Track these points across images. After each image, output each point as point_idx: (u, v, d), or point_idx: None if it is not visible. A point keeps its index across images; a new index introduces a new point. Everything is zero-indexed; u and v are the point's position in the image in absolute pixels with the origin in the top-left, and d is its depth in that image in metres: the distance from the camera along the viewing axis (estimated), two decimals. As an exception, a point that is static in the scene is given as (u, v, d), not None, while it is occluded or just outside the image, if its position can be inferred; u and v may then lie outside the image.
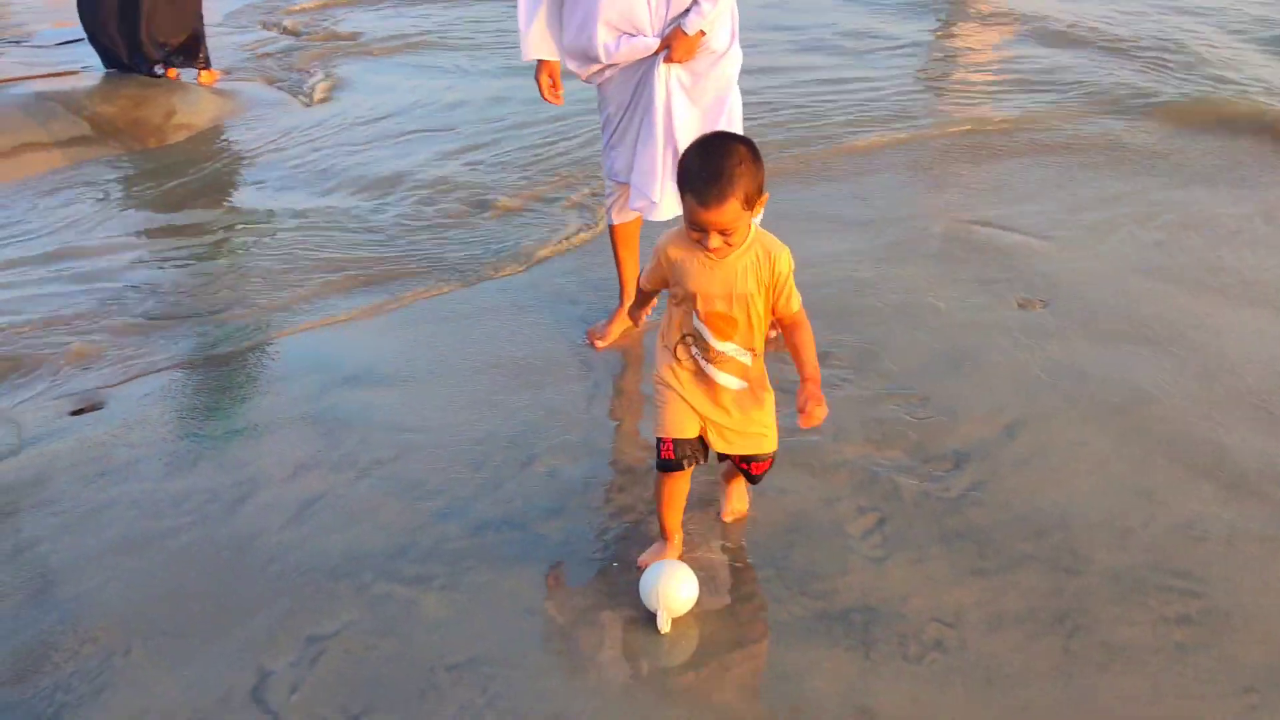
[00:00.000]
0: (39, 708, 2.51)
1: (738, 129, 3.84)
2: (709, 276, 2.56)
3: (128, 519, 3.13)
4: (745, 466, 2.80)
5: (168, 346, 4.18)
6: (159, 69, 7.23)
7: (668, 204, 3.76)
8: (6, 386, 3.93)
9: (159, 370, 4.00)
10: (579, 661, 2.60)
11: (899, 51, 8.28)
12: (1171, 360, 3.89)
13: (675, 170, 3.66)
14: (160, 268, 4.93)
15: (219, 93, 7.28)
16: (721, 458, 2.85)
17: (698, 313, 2.59)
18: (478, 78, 7.80)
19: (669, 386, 2.67)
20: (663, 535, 2.88)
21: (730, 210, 2.43)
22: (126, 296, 4.60)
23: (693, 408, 2.67)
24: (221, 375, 4.00)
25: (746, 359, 2.65)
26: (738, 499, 3.08)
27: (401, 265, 4.84)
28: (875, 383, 3.79)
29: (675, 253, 2.59)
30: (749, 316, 2.60)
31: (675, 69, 3.66)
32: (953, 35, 8.79)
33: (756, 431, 2.72)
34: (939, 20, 9.22)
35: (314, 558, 2.94)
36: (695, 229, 2.48)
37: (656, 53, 3.64)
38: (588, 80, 3.81)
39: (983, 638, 2.66)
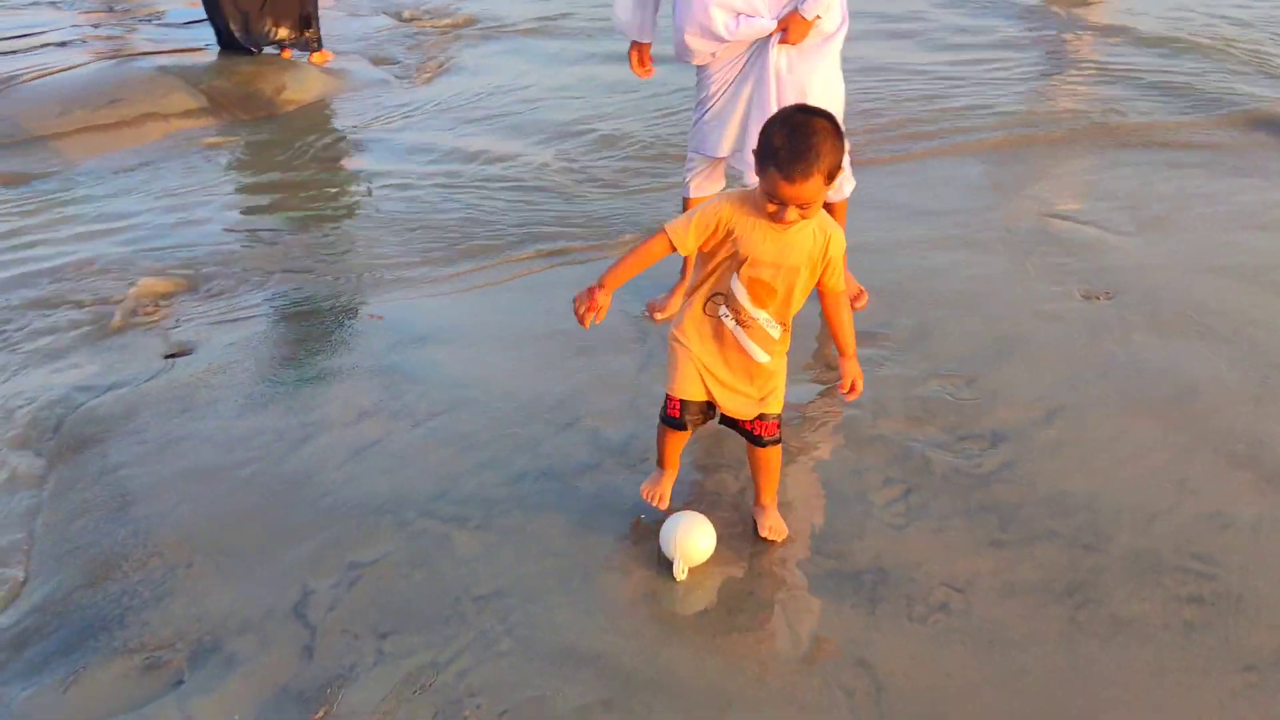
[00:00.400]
0: (107, 609, 2.77)
1: (838, 106, 3.96)
2: (764, 244, 2.62)
3: (201, 451, 3.40)
4: (750, 428, 2.84)
5: (258, 300, 4.47)
6: (271, 48, 7.63)
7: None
8: (113, 333, 4.26)
9: (247, 322, 4.29)
10: (595, 601, 2.74)
11: (1006, 50, 8.20)
12: (1229, 356, 3.84)
13: None
14: (261, 228, 5.24)
15: (328, 72, 7.63)
16: (724, 420, 2.91)
17: (739, 275, 2.67)
18: (590, 63, 7.98)
19: (682, 345, 2.77)
20: (660, 465, 3.03)
21: (814, 185, 2.49)
22: (228, 253, 4.91)
23: (701, 368, 2.76)
24: (302, 329, 4.26)
25: (775, 332, 2.72)
26: (773, 520, 2.97)
27: (483, 237, 5.06)
28: (923, 363, 3.84)
29: (734, 215, 2.62)
30: (790, 290, 2.68)
31: (788, 49, 3.82)
32: (1061, 37, 8.65)
33: (763, 395, 2.80)
34: (1046, 18, 9.08)
35: (363, 494, 3.15)
36: (775, 201, 2.53)
37: (772, 34, 3.80)
38: (695, 62, 3.94)
39: (990, 604, 2.72)
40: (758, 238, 2.62)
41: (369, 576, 2.83)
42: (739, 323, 2.72)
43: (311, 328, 4.27)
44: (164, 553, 2.95)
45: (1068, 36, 8.70)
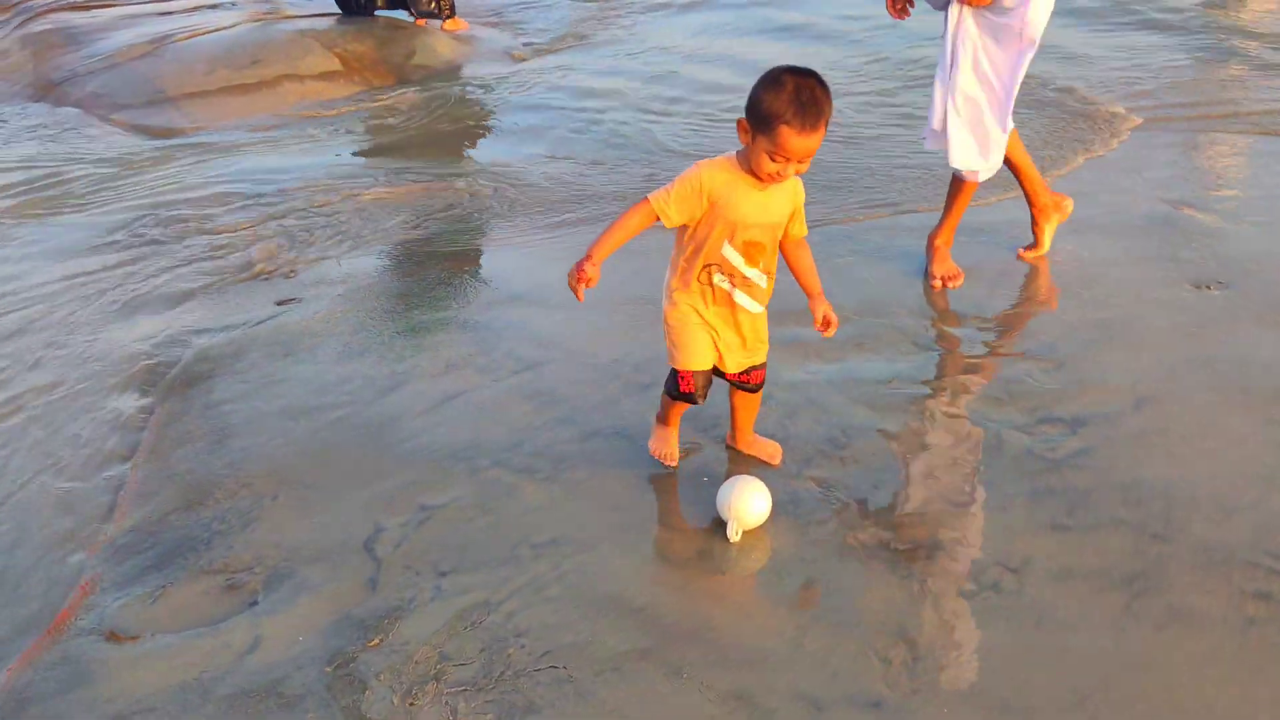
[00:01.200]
0: (197, 533, 2.99)
1: (1007, 88, 3.88)
2: (750, 205, 2.71)
3: (297, 392, 3.60)
4: (746, 379, 2.96)
5: (370, 254, 4.70)
6: (408, 14, 7.88)
7: (958, 152, 3.97)
8: (237, 279, 4.53)
9: (356, 274, 4.50)
10: (647, 555, 2.82)
11: (1150, 32, 7.87)
12: (1343, 352, 3.67)
13: (954, 114, 3.86)
14: (381, 186, 5.47)
15: (459, 39, 7.85)
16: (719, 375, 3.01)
17: (731, 241, 2.75)
18: (737, 34, 7.96)
19: (688, 320, 2.84)
20: (664, 423, 3.12)
21: (820, 137, 2.60)
22: (346, 208, 5.16)
23: (714, 335, 2.86)
24: (406, 284, 4.45)
25: (764, 283, 2.84)
26: (761, 446, 3.16)
27: (595, 201, 5.20)
28: (1013, 345, 3.79)
29: (717, 181, 2.69)
30: (774, 242, 2.81)
31: (968, 15, 3.79)
32: (1212, 26, 8.22)
33: (759, 346, 2.94)
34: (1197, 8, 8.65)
35: (441, 441, 3.29)
36: (782, 159, 2.60)
37: None
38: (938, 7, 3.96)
39: (1043, 586, 2.68)
40: (739, 199, 2.70)
41: (437, 518, 2.97)
42: (734, 285, 2.82)
43: (415, 283, 4.45)
44: (254, 483, 3.16)
45: (1219, 28, 8.27)
